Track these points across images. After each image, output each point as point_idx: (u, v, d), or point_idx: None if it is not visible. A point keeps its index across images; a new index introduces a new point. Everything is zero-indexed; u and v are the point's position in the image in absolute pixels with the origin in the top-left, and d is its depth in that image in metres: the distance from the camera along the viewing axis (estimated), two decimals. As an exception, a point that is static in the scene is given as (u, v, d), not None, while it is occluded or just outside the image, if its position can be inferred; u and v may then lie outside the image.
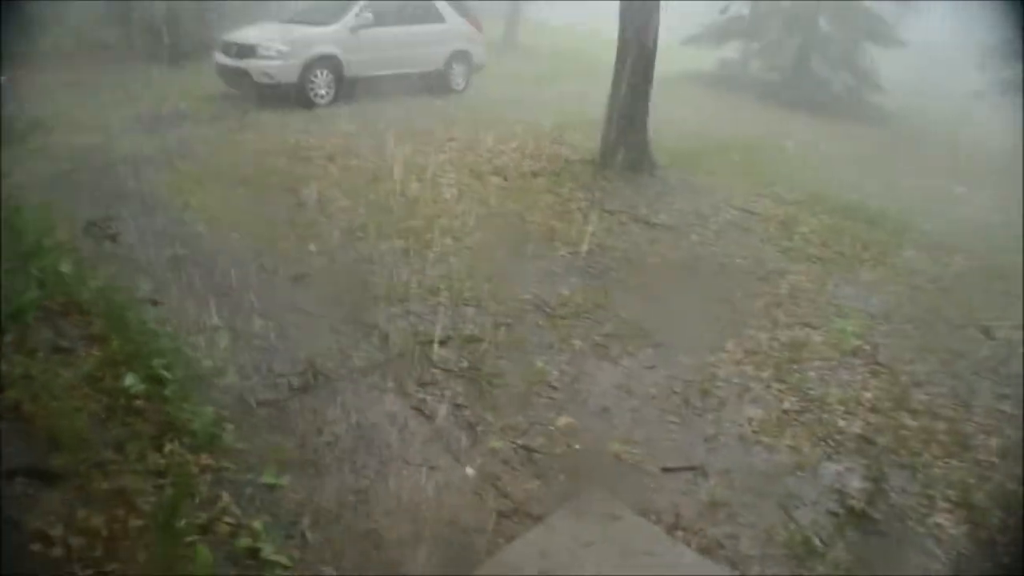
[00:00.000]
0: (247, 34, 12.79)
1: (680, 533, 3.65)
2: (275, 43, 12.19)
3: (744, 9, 19.77)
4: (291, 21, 13.46)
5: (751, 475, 4.13)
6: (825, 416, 4.69)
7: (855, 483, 4.12)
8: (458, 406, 4.51)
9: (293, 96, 12.14)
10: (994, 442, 4.55)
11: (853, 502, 3.95)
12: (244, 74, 12.20)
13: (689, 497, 3.92)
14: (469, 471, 3.97)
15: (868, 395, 4.97)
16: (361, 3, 13.15)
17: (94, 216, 6.52)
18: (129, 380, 3.88)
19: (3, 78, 8.89)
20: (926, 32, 19.66)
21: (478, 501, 3.77)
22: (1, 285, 4.37)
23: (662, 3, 9.15)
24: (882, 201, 9.18)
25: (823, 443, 4.45)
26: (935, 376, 5.31)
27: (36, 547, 2.83)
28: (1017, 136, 10.53)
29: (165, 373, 4.08)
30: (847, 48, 18.37)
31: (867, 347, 5.60)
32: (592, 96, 11.68)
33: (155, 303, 5.19)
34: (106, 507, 3.12)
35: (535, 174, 9.12)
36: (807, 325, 5.87)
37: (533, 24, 25.88)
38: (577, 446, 4.26)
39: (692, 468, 4.15)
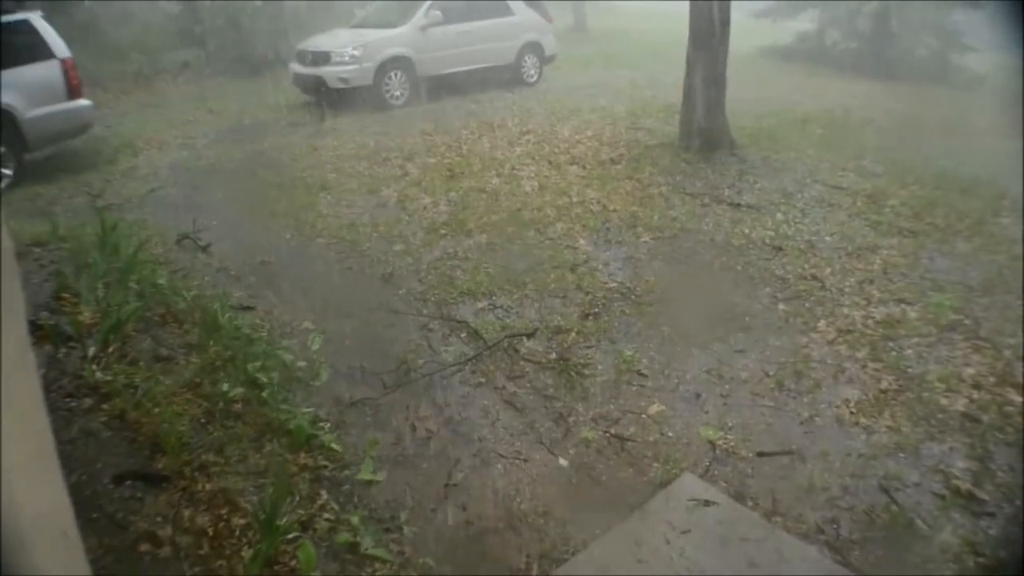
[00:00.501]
0: (320, 42, 13.06)
1: (778, 519, 3.58)
2: (348, 48, 12.41)
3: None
4: (361, 25, 13.70)
5: (850, 458, 4.01)
6: (925, 394, 4.52)
7: (960, 463, 3.96)
8: (548, 397, 4.52)
9: (369, 99, 12.34)
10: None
11: (958, 482, 3.81)
12: (320, 81, 12.46)
13: (786, 481, 3.84)
14: (562, 462, 3.98)
15: (970, 371, 4.77)
16: (429, 2, 13.28)
17: (185, 229, 6.74)
18: (226, 386, 4.01)
19: (87, 103, 9.26)
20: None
21: (572, 491, 3.78)
22: (103, 299, 4.59)
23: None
24: (974, 168, 8.80)
25: (924, 422, 4.29)
26: (1040, 349, 5.08)
27: (145, 547, 2.96)
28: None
29: (261, 376, 4.21)
30: (928, 9, 17.66)
31: (967, 321, 5.37)
32: (666, 78, 11.59)
33: (248, 309, 5.34)
34: (210, 507, 3.24)
35: (613, 161, 9.06)
36: (902, 301, 5.67)
37: (602, 8, 25.72)
38: (670, 433, 4.22)
39: (788, 452, 4.06)
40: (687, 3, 9.23)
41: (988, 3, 17.33)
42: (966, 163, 9.06)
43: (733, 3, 9.09)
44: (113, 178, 8.50)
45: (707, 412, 4.42)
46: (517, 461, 3.97)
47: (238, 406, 3.95)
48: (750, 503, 3.69)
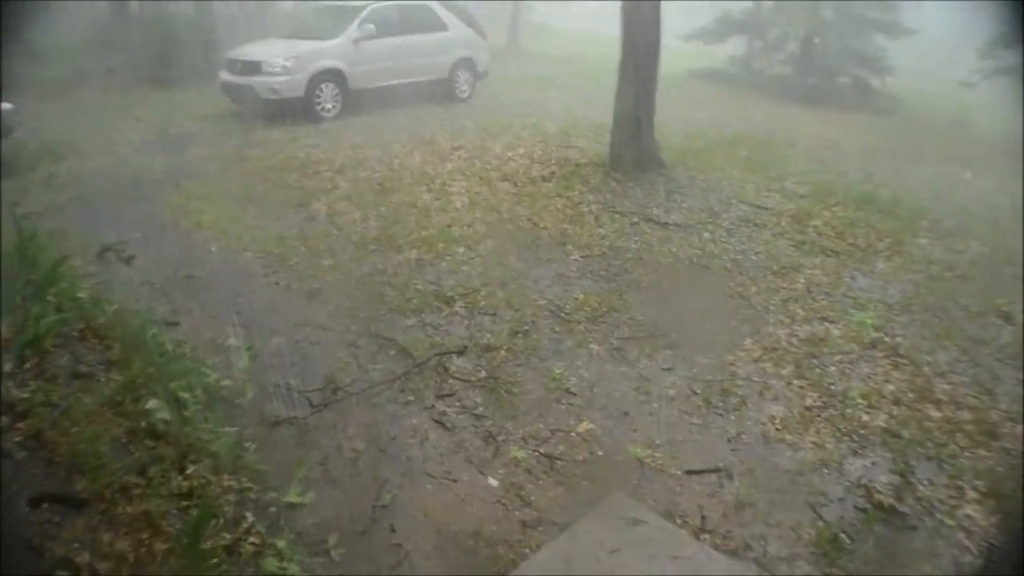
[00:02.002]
0: (251, 51, 12.87)
1: (707, 536, 3.63)
2: (279, 59, 12.24)
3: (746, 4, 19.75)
4: (293, 36, 13.52)
5: (776, 474, 4.09)
6: (848, 411, 4.65)
7: (882, 477, 4.08)
8: (478, 416, 4.50)
9: (300, 111, 12.19)
10: (1020, 429, 4.48)
11: (881, 497, 3.91)
12: (250, 91, 12.26)
13: (714, 499, 3.90)
14: (492, 481, 3.96)
15: (891, 387, 4.92)
16: (363, 15, 13.20)
17: (108, 241, 6.55)
18: (152, 404, 3.88)
19: (9, 107, 8.95)
20: (921, 19, 19.58)
21: (502, 511, 3.76)
22: (20, 312, 4.41)
23: (663, 1, 9.12)
24: (893, 190, 9.11)
25: (847, 438, 4.40)
26: (957, 365, 5.25)
27: (61, 574, 2.84)
28: (1017, 121, 10.44)
29: (185, 395, 4.09)
30: (852, 38, 18.28)
31: (887, 339, 5.55)
32: (597, 99, 11.70)
33: (172, 324, 5.20)
34: (131, 531, 3.12)
35: (544, 179, 9.11)
36: (825, 319, 5.82)
37: (535, 28, 25.95)
38: (599, 452, 4.24)
39: (716, 469, 4.12)
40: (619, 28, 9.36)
41: (910, 31, 18.10)
42: (884, 185, 9.37)
43: (663, 26, 9.24)
44: (33, 186, 8.21)
45: (635, 430, 4.45)
46: (446, 481, 3.94)
47: (161, 426, 3.83)
48: (679, 521, 3.72)
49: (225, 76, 12.79)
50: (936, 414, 4.64)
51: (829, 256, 7.04)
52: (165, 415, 3.79)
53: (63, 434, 3.51)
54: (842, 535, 3.65)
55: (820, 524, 3.72)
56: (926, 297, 6.26)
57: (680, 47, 18.13)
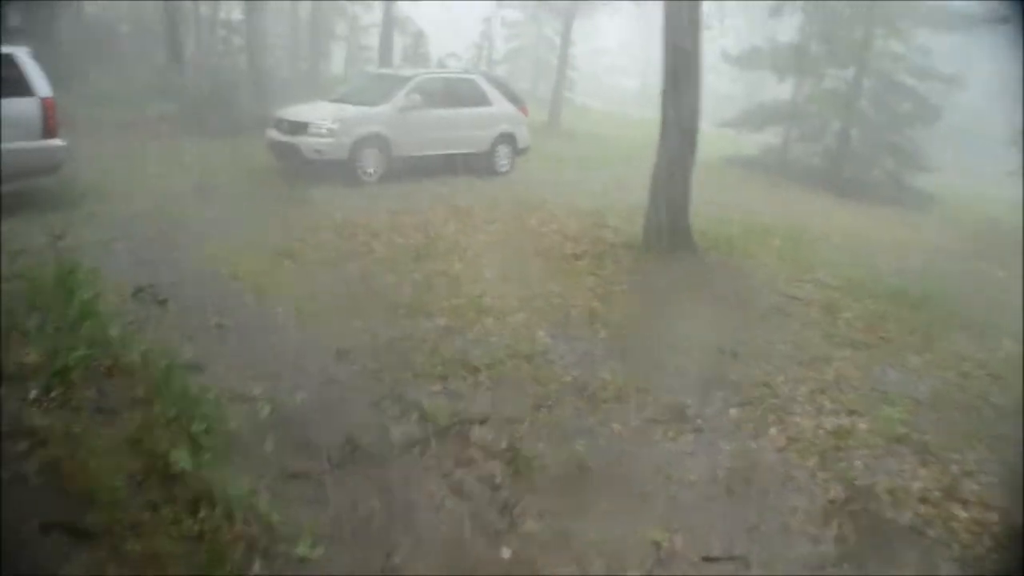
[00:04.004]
0: (299, 111, 13.19)
1: (721, 625, 3.53)
2: (326, 121, 12.54)
3: (784, 94, 19.98)
4: (342, 100, 13.87)
5: (795, 566, 3.99)
6: (872, 506, 4.54)
7: (904, 577, 3.97)
8: (496, 487, 4.44)
9: (341, 173, 12.42)
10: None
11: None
12: (295, 150, 12.53)
13: (731, 588, 3.81)
14: (504, 553, 3.90)
15: (917, 484, 4.81)
16: (410, 84, 13.52)
17: (143, 282, 6.65)
18: (167, 446, 3.89)
19: (60, 143, 9.22)
20: (958, 109, 19.72)
21: (513, 584, 3.69)
22: (51, 343, 4.48)
23: (704, 88, 9.29)
24: (925, 286, 9.06)
25: (870, 534, 4.30)
26: (986, 464, 5.12)
27: (65, 605, 2.83)
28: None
29: (204, 440, 4.10)
30: (887, 131, 18.40)
31: (915, 435, 5.44)
32: (633, 180, 11.84)
33: (198, 369, 5.23)
34: (137, 569, 3.12)
35: (577, 256, 9.16)
36: (853, 412, 5.73)
37: (575, 109, 26.38)
38: (616, 531, 4.16)
39: (734, 558, 4.03)
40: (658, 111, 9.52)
41: (943, 119, 18.16)
42: (917, 280, 9.32)
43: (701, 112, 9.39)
44: (77, 222, 8.38)
45: (654, 512, 4.38)
46: (459, 549, 3.88)
47: (177, 467, 3.83)
48: (693, 608, 3.63)
49: (272, 134, 13.10)
50: (963, 514, 4.52)
51: (859, 349, 6.97)
52: (183, 458, 3.80)
53: (80, 465, 3.54)
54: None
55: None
56: (956, 394, 6.17)
57: (716, 133, 18.34)
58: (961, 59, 19.50)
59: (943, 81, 18.53)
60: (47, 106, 9.06)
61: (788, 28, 19.82)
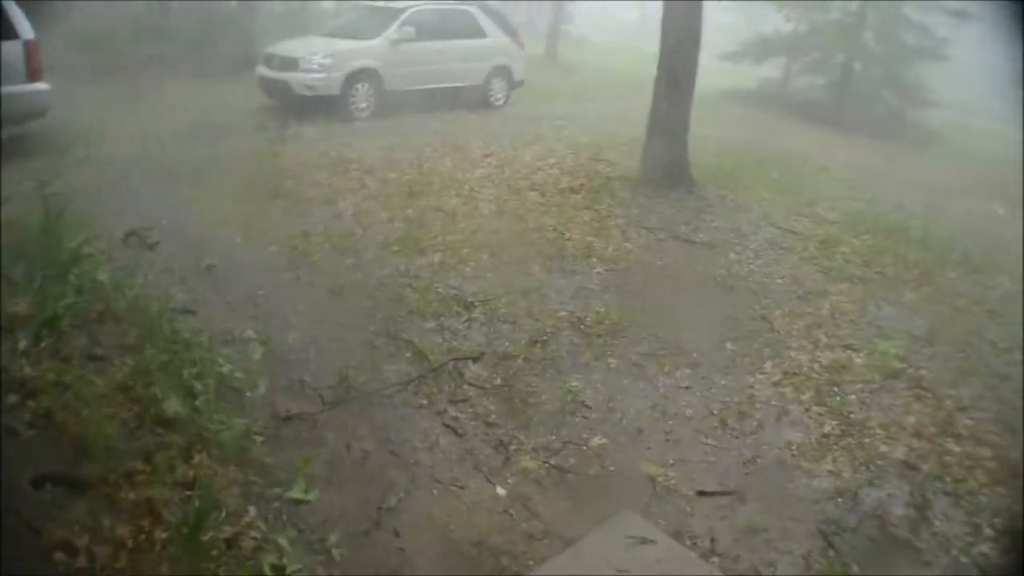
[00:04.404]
0: (290, 47, 12.94)
1: (716, 559, 3.56)
2: (317, 56, 12.31)
3: (787, 24, 19.55)
4: (333, 34, 13.60)
5: (789, 500, 4.02)
6: (867, 441, 4.55)
7: (897, 510, 3.99)
8: (490, 424, 4.45)
9: (334, 109, 12.23)
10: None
11: (895, 530, 3.83)
12: (286, 86, 12.33)
13: (725, 522, 3.82)
14: (500, 491, 3.91)
15: (911, 420, 4.82)
16: (403, 16, 13.24)
17: (133, 226, 6.57)
18: (159, 392, 3.87)
19: (44, 87, 9.04)
20: (966, 46, 19.32)
21: (508, 522, 3.71)
22: (40, 291, 4.43)
23: (704, 19, 9.08)
24: (925, 222, 8.99)
25: (864, 468, 4.31)
26: (980, 400, 5.13)
27: (60, 556, 2.83)
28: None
29: (196, 384, 4.08)
30: (892, 65, 18.07)
31: (910, 370, 5.44)
32: (631, 113, 11.67)
33: (190, 312, 5.20)
34: (132, 517, 3.11)
35: (573, 190, 9.05)
36: (848, 347, 5.72)
37: (574, 40, 25.91)
38: (611, 467, 4.18)
39: (729, 492, 4.05)
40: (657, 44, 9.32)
41: (953, 56, 17.82)
42: (916, 216, 9.24)
43: (702, 44, 9.20)
44: (65, 167, 8.23)
45: (649, 448, 4.39)
46: (454, 487, 3.89)
47: (170, 413, 3.81)
48: (688, 542, 3.65)
49: (262, 71, 12.87)
50: (956, 449, 4.54)
51: (856, 284, 6.93)
52: (176, 403, 3.78)
53: (72, 415, 3.52)
54: (854, 566, 3.56)
55: (831, 553, 3.63)
56: (952, 330, 6.14)
57: (716, 67, 18.03)
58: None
59: (951, 14, 18.10)
60: (30, 48, 8.84)
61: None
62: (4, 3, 8.78)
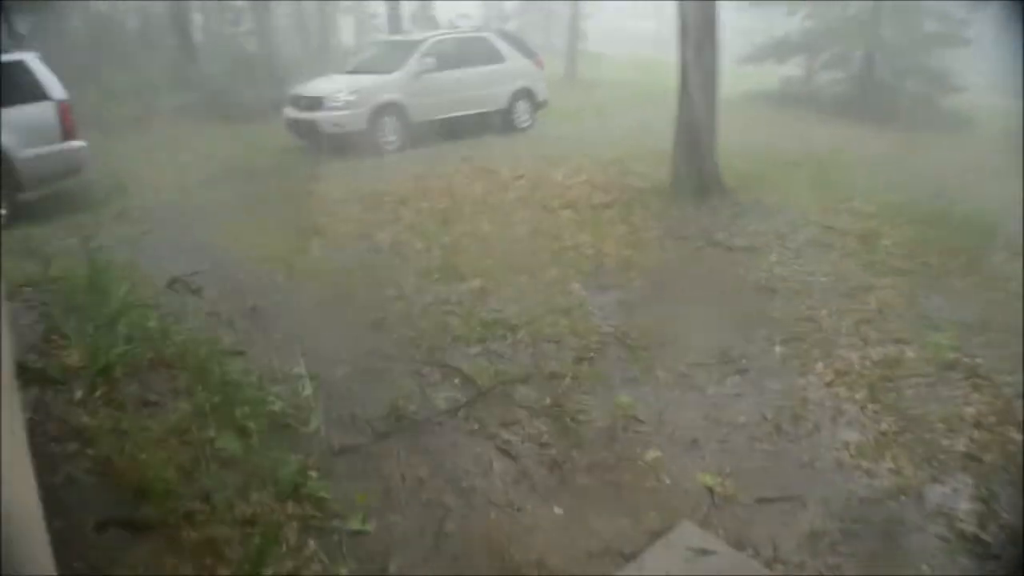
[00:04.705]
0: (314, 87, 13.16)
1: (780, 566, 3.49)
2: (342, 94, 12.51)
3: (806, 22, 19.48)
4: (355, 71, 13.80)
5: (851, 502, 3.93)
6: (926, 435, 4.45)
7: (963, 505, 3.88)
8: (543, 444, 4.43)
9: (362, 144, 12.37)
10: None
11: (963, 525, 3.73)
12: (313, 125, 12.52)
13: (787, 528, 3.75)
14: (557, 510, 3.89)
15: (970, 410, 4.70)
16: (423, 48, 13.40)
17: (177, 272, 6.69)
18: (213, 433, 3.92)
19: (80, 144, 9.26)
20: (987, 27, 19.07)
21: (567, 541, 3.68)
22: (91, 342, 4.52)
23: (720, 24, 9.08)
24: (965, 207, 8.85)
25: (926, 464, 4.22)
26: (1039, 386, 5.02)
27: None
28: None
29: (249, 423, 4.13)
30: (913, 53, 17.91)
31: (965, 359, 5.31)
32: (656, 124, 11.66)
33: (239, 354, 5.26)
34: (195, 557, 3.15)
35: (606, 206, 9.06)
36: (899, 341, 5.62)
37: (592, 57, 26.03)
38: (667, 480, 4.13)
39: (788, 498, 3.98)
40: (676, 53, 9.32)
41: (975, 42, 17.62)
42: (955, 203, 9.10)
43: (721, 49, 9.19)
44: (105, 220, 8.46)
45: (704, 458, 4.33)
46: (510, 510, 3.88)
47: (225, 453, 3.86)
48: (750, 551, 3.59)
49: (289, 112, 13.08)
50: (1018, 437, 4.42)
51: (900, 276, 6.83)
52: (230, 443, 3.82)
53: (130, 461, 3.58)
54: (923, 565, 3.48)
55: (899, 553, 3.56)
56: (1004, 316, 6.01)
57: (737, 70, 17.99)
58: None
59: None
60: (63, 109, 9.10)
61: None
62: (34, 66, 9.04)
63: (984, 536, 3.66)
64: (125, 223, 8.50)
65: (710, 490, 4.03)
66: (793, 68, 19.93)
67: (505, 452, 4.36)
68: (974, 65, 18.11)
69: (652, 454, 4.33)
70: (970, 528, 3.71)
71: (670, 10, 9.24)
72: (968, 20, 18.01)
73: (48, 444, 3.65)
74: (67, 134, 9.13)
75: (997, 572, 3.46)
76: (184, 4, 19.36)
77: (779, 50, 19.74)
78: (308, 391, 4.69)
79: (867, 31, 17.79)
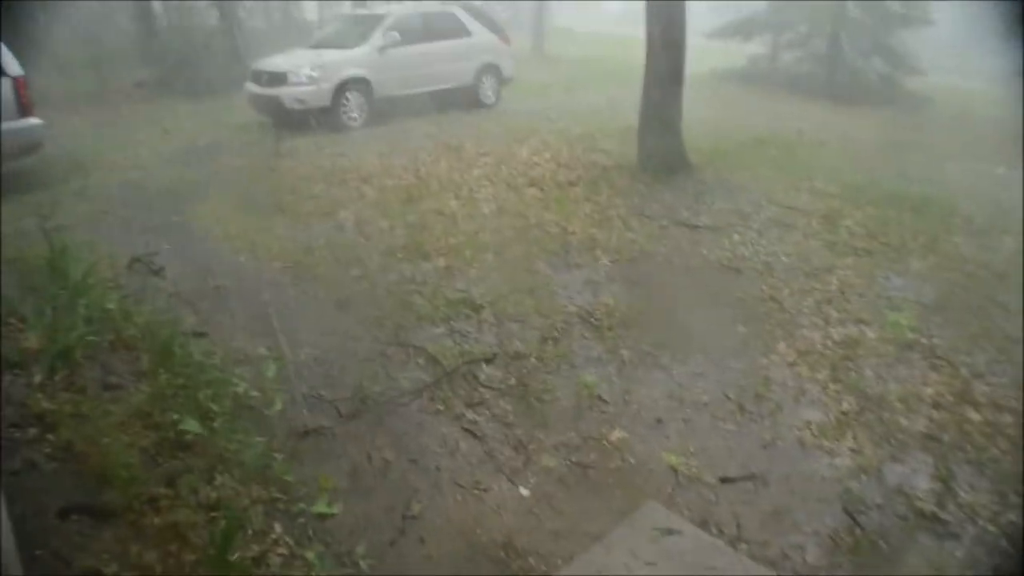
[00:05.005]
0: (277, 62, 12.95)
1: (743, 545, 3.54)
2: (305, 69, 12.30)
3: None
4: (319, 46, 13.60)
5: (813, 481, 4.00)
6: (886, 415, 4.54)
7: (922, 483, 3.97)
8: (508, 425, 4.44)
9: (326, 120, 12.23)
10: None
11: (921, 504, 3.81)
12: (276, 101, 12.32)
13: (750, 507, 3.81)
14: (523, 491, 3.91)
15: (929, 390, 4.80)
16: (387, 22, 13.23)
17: (137, 252, 6.59)
18: (177, 416, 3.88)
19: (38, 122, 9.04)
20: (951, 8, 19.33)
21: (533, 521, 3.70)
22: (50, 324, 4.44)
23: (687, 1, 9.07)
24: (924, 187, 8.99)
25: (886, 443, 4.30)
26: (995, 366, 5.12)
27: (90, 585, 2.84)
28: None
29: (213, 406, 4.09)
30: (878, 34, 18.07)
31: (923, 340, 5.43)
32: (622, 102, 11.67)
33: (201, 335, 5.20)
34: (159, 542, 3.13)
35: (571, 183, 9.06)
36: (860, 321, 5.71)
37: (559, 32, 25.91)
38: (632, 460, 4.17)
39: (751, 477, 4.03)
40: (644, 30, 9.30)
41: (937, 23, 17.86)
42: (917, 183, 9.23)
43: (688, 24, 9.18)
44: (64, 199, 8.28)
45: (669, 437, 4.38)
46: (476, 491, 3.89)
47: (189, 437, 3.82)
48: (715, 530, 3.64)
49: (251, 87, 12.87)
50: (976, 417, 4.52)
51: (862, 256, 6.93)
52: (194, 426, 3.79)
53: (92, 445, 3.53)
54: (882, 543, 3.55)
55: (859, 532, 3.62)
56: (962, 296, 6.14)
57: (705, 45, 18.01)
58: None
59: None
60: (19, 85, 8.85)
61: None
62: None
63: (943, 515, 3.74)
64: (84, 202, 8.33)
65: (674, 470, 4.07)
66: (759, 46, 19.99)
67: (471, 433, 4.36)
68: (937, 47, 18.34)
69: (617, 434, 4.36)
70: (929, 507, 3.79)
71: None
72: (931, 2, 18.20)
73: (7, 429, 3.58)
74: (24, 110, 8.89)
75: (956, 552, 3.54)
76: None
77: (745, 27, 19.78)
78: (272, 372, 4.65)
79: (833, 10, 17.88)
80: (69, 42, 15.91)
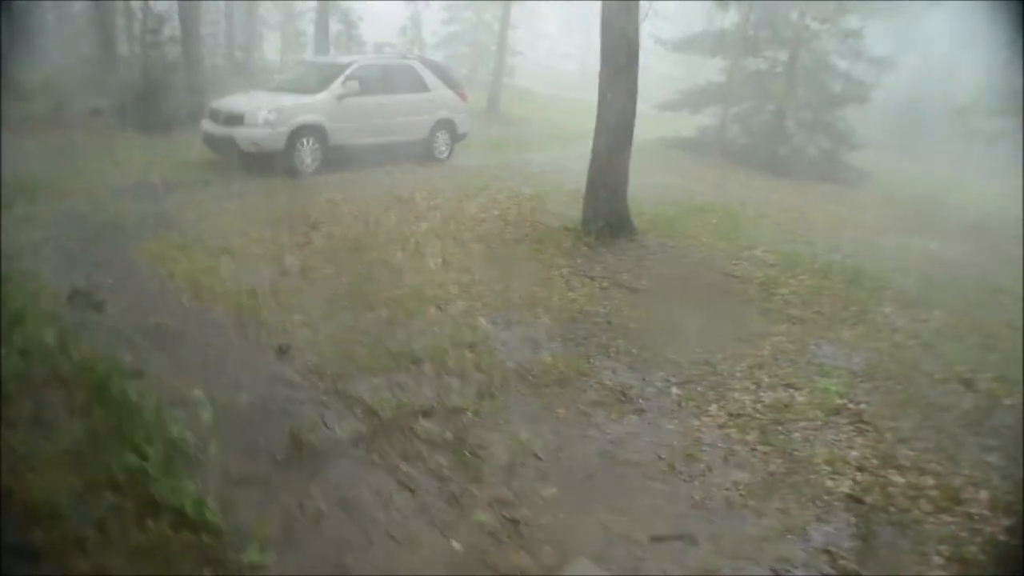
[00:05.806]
0: (235, 102, 12.94)
1: (670, 604, 3.62)
2: (262, 111, 12.30)
3: (721, 76, 20.24)
4: (278, 89, 13.65)
5: (741, 540, 4.10)
6: (812, 477, 4.69)
7: (846, 543, 4.10)
8: (443, 479, 4.47)
9: (279, 164, 12.23)
10: (984, 495, 4.52)
11: (844, 562, 3.94)
12: (231, 142, 12.28)
13: (680, 566, 3.89)
14: (455, 545, 3.93)
15: (854, 453, 4.97)
16: (348, 71, 13.35)
17: (79, 285, 6.52)
18: (109, 457, 3.84)
19: None
20: (894, 89, 20.32)
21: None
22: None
23: (640, 69, 9.36)
24: (859, 260, 9.31)
25: (812, 504, 4.43)
26: (920, 431, 5.32)
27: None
28: (983, 193, 10.64)
29: (147, 448, 4.05)
30: (822, 112, 18.81)
31: (851, 405, 5.61)
32: (572, 164, 11.89)
33: (138, 374, 5.15)
34: (84, 586, 3.08)
35: (517, 241, 9.21)
36: (790, 386, 5.89)
37: (516, 92, 26.32)
38: (563, 516, 4.23)
39: (681, 536, 4.12)
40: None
41: (877, 98, 18.70)
42: (851, 256, 9.56)
43: (639, 94, 9.46)
44: (9, 224, 8.15)
45: (601, 495, 4.45)
46: (409, 543, 3.90)
47: (121, 478, 3.78)
48: (642, 588, 3.71)
49: (207, 126, 12.83)
50: (899, 480, 4.69)
51: (795, 324, 7.15)
52: (127, 468, 3.75)
53: (21, 483, 3.47)
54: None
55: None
56: (890, 365, 6.36)
57: (655, 115, 18.52)
58: (894, 42, 20.19)
59: (874, 63, 19.07)
60: None
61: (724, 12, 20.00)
62: None
63: (864, 573, 3.87)
64: (28, 229, 8.20)
65: (606, 527, 4.14)
66: (708, 118, 20.59)
67: (405, 485, 4.38)
68: (878, 123, 19.16)
69: (549, 491, 4.42)
70: (851, 565, 3.92)
71: (596, 53, 9.43)
72: (872, 84, 19.06)
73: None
74: None
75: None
76: (106, 4, 18.85)
77: (694, 99, 20.40)
78: (208, 416, 4.63)
79: (779, 87, 18.56)
80: (30, 65, 15.75)
